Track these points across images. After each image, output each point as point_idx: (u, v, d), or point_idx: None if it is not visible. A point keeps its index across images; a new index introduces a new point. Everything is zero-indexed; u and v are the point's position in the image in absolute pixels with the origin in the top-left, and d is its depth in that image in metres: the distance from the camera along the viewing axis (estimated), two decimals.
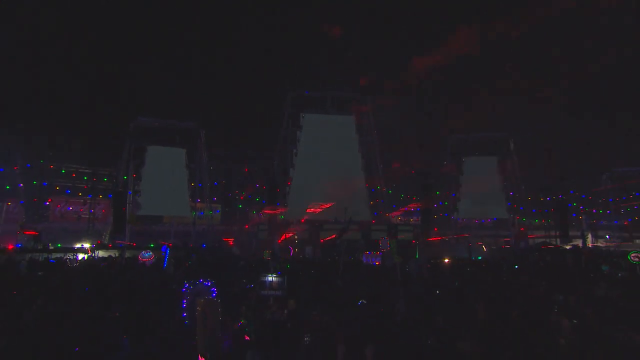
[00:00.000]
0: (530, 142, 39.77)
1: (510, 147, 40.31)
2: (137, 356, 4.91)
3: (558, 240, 30.58)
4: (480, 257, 26.07)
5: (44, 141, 33.41)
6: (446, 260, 19.35)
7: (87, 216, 34.49)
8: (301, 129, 37.84)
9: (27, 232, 19.61)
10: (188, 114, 36.51)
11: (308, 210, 34.86)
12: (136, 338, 5.26)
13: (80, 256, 20.75)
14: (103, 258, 20.93)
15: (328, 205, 33.43)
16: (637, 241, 29.09)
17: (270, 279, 7.48)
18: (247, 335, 5.58)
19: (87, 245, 25.43)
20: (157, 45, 36.47)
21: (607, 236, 29.29)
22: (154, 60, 34.65)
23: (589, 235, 28.02)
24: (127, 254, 21.56)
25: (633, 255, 12.85)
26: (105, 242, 28.48)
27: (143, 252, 19.54)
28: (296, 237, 32.06)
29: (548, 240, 32.42)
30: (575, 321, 5.92)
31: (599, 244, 30.01)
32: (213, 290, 6.10)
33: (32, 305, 6.32)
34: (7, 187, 31.27)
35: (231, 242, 33.00)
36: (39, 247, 22.43)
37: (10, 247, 21.61)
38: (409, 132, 40.16)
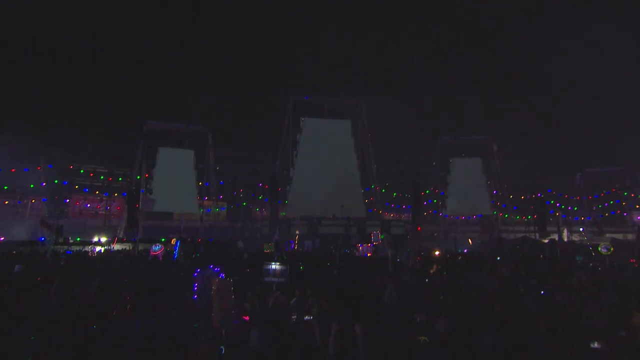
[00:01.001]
0: (512, 145, 39.92)
1: (493, 149, 40.58)
2: (157, 334, 5.03)
3: (537, 234, 30.79)
4: (465, 250, 26.23)
5: (65, 144, 33.63)
6: (436, 253, 19.48)
7: (104, 212, 34.68)
8: (301, 132, 38.00)
9: (44, 227, 19.72)
10: (196, 118, 36.64)
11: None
12: (145, 318, 5.39)
13: (98, 249, 20.91)
14: (118, 250, 21.04)
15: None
16: (607, 235, 29.30)
17: (273, 267, 7.53)
18: (251, 317, 5.71)
19: (103, 239, 25.56)
20: (171, 56, 36.60)
21: (581, 229, 29.56)
22: (167, 69, 34.79)
23: (565, 230, 28.19)
24: (140, 247, 21.67)
25: (602, 246, 13.10)
26: (120, 236, 28.57)
27: (153, 245, 19.65)
28: (297, 232, 32.18)
29: (528, 234, 32.65)
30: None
31: (573, 238, 30.23)
32: (222, 275, 6.21)
33: (51, 288, 6.42)
34: (32, 185, 31.65)
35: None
36: (60, 241, 22.53)
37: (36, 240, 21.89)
38: (401, 135, 40.33)
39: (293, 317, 5.56)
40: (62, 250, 18.40)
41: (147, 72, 34.31)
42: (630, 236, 31.12)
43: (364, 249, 19.07)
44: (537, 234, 30.82)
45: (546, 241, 26.48)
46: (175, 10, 35.81)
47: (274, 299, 6.81)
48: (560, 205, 39.01)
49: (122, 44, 33.88)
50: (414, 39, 37.10)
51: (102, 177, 36.37)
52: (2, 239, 23.53)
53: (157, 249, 19.42)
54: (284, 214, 35.91)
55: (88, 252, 18.86)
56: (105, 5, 31.44)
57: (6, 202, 31.95)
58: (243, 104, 37.02)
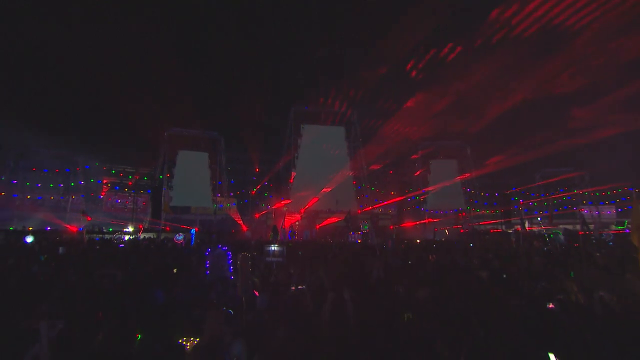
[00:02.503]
0: (483, 148, 40.05)
1: (467, 152, 40.82)
2: (170, 304, 5.15)
3: (503, 226, 31.05)
4: (443, 239, 26.44)
5: (99, 148, 34.08)
6: (417, 241, 19.73)
7: (132, 207, 34.82)
8: (301, 137, 38.07)
9: (88, 218, 20.41)
10: (211, 125, 36.71)
11: (309, 202, 35.12)
12: (168, 289, 5.53)
13: (127, 237, 21.12)
14: (144, 238, 21.21)
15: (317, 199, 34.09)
16: (561, 226, 29.67)
17: (273, 248, 7.65)
18: (256, 291, 5.84)
19: (131, 229, 25.82)
20: (190, 73, 36.52)
21: (539, 218, 30.04)
22: (186, 85, 34.90)
23: (526, 222, 28.49)
24: (162, 236, 21.92)
25: (554, 234, 13.42)
26: (146, 227, 28.78)
27: (176, 235, 19.89)
28: (297, 223, 32.37)
29: (495, 225, 32.97)
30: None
31: (533, 228, 30.50)
32: (228, 254, 6.33)
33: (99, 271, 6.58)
34: (72, 184, 32.27)
35: (245, 228, 33.37)
36: (96, 230, 23.00)
37: (75, 229, 22.36)
38: (388, 139, 40.43)
39: (292, 287, 5.72)
40: (97, 238, 18.63)
41: (169, 87, 34.38)
42: (578, 226, 31.51)
43: (354, 237, 19.30)
44: (504, 225, 31.09)
45: (511, 231, 26.73)
46: (196, 32, 35.74)
47: (274, 276, 6.97)
48: (523, 200, 39.28)
49: (149, 64, 33.90)
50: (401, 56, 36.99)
51: (130, 177, 36.57)
52: (48, 228, 24.11)
53: (180, 237, 19.66)
54: (286, 208, 36.01)
55: (113, 239, 19.14)
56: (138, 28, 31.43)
57: (52, 198, 32.59)
58: (251, 113, 37.03)
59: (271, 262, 7.54)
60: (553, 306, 4.45)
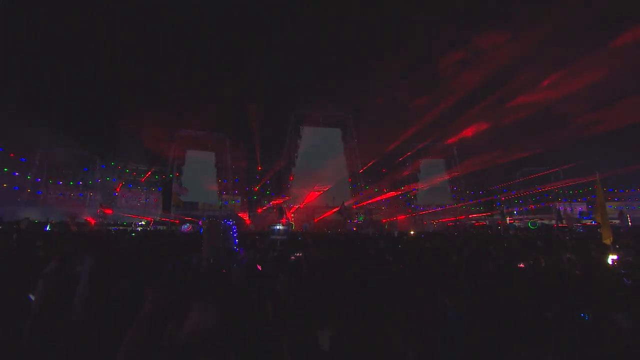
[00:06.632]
0: (469, 149, 40.26)
1: (454, 153, 41.06)
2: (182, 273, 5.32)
3: (487, 220, 31.31)
4: (431, 230, 26.74)
5: (114, 149, 34.46)
6: (411, 232, 20.04)
7: (144, 202, 34.93)
8: (301, 138, 38.27)
9: (106, 211, 20.83)
10: (217, 127, 36.84)
11: (311, 192, 35.28)
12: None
13: (139, 229, 21.34)
14: (156, 228, 21.45)
15: (320, 192, 34.36)
16: (538, 221, 30.01)
17: (278, 227, 7.85)
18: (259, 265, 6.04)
19: (143, 223, 26.01)
20: (198, 78, 36.65)
21: (515, 212, 30.41)
22: (195, 90, 35.08)
23: (507, 215, 28.82)
24: (172, 227, 22.16)
25: (530, 223, 13.71)
26: (157, 220, 28.92)
27: (183, 225, 20.15)
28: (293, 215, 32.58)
29: (479, 219, 33.24)
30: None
31: (514, 222, 30.82)
32: (234, 227, 6.52)
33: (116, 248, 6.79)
34: (90, 182, 32.61)
35: (248, 222, 33.51)
36: (111, 222, 23.31)
37: (93, 221, 22.70)
38: (381, 140, 40.55)
39: (292, 257, 5.98)
40: (112, 229, 18.87)
41: (178, 92, 34.59)
42: (554, 220, 31.91)
43: (350, 225, 19.60)
44: (487, 220, 31.34)
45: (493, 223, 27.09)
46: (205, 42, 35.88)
47: (278, 251, 7.19)
48: (505, 198, 39.53)
49: (161, 71, 34.09)
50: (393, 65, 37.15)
51: (142, 175, 36.61)
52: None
53: (185, 227, 19.83)
54: (286, 205, 36.13)
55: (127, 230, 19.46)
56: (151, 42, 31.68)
57: (72, 195, 32.98)
58: (254, 115, 37.22)
59: (276, 240, 7.68)
60: (523, 265, 5.10)
